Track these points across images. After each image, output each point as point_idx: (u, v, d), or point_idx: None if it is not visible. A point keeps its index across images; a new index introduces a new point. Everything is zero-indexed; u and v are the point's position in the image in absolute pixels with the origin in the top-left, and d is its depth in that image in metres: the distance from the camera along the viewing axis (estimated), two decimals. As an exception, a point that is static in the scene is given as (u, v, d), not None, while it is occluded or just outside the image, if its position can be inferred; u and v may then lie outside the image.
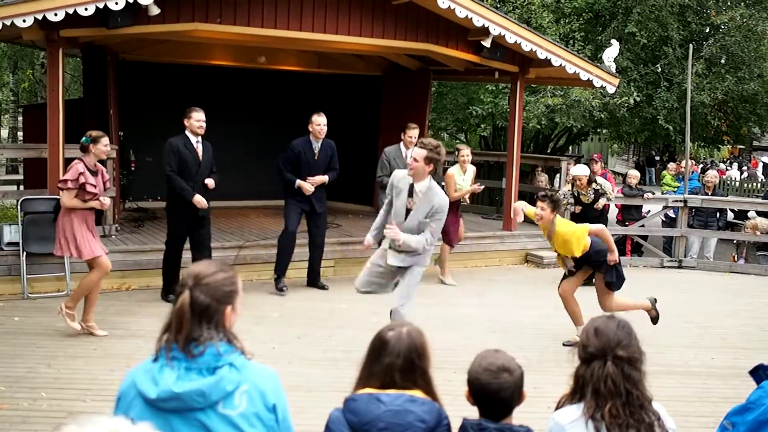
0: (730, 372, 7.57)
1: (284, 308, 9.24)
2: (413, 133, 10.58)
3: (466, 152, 11.16)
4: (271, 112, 15.32)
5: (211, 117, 14.46)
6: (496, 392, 2.97)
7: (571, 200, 11.43)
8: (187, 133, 9.04)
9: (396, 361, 2.94)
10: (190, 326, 2.59)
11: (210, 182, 9.13)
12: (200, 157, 9.05)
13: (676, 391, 6.87)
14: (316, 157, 9.99)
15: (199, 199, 8.87)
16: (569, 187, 11.52)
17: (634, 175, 14.48)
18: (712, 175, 14.69)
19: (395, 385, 2.93)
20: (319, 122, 9.91)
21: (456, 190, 10.81)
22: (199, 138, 9.09)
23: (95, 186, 7.73)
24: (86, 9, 8.89)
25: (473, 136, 22.90)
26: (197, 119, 9.03)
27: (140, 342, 7.47)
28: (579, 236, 7.82)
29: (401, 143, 10.72)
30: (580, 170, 11.45)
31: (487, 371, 2.99)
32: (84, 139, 7.83)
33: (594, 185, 11.26)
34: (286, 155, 10.01)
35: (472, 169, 11.25)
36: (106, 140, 7.88)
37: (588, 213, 11.25)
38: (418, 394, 2.94)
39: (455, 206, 11.05)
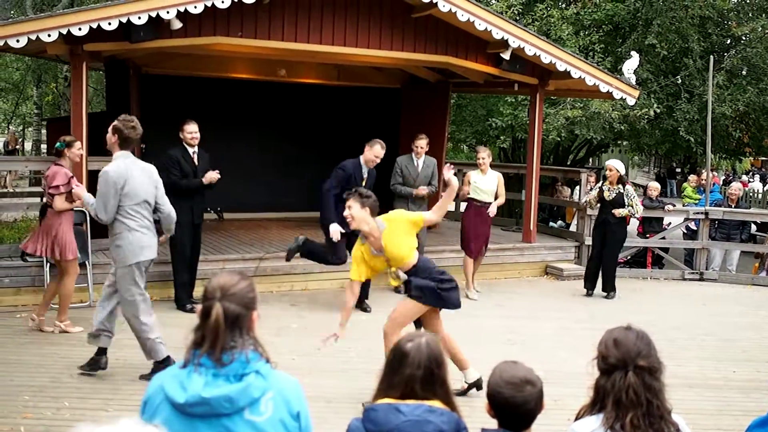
0: (751, 385, 7.54)
1: (304, 320, 9.27)
2: (420, 143, 10.87)
3: (482, 155, 11.07)
4: (291, 124, 15.39)
5: (232, 129, 14.68)
6: (520, 405, 2.98)
7: (594, 195, 11.33)
8: (184, 144, 9.47)
9: (417, 372, 2.96)
10: (225, 337, 2.66)
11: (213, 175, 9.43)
12: (197, 167, 9.46)
13: (696, 404, 6.84)
14: (363, 183, 9.71)
15: (212, 175, 9.32)
16: (599, 184, 11.47)
17: (654, 187, 14.42)
18: (736, 187, 14.61)
19: (416, 396, 2.95)
20: (379, 155, 9.71)
21: (471, 189, 11.02)
22: (195, 148, 9.52)
23: (79, 187, 7.92)
24: (110, 24, 9.00)
25: (493, 148, 22.84)
26: (189, 131, 9.48)
27: (162, 353, 7.51)
28: (415, 221, 6.38)
29: (413, 152, 10.94)
30: (614, 162, 11.34)
31: (510, 384, 2.99)
32: (58, 144, 8.18)
33: (621, 187, 11.13)
34: (336, 175, 9.69)
35: (495, 175, 11.09)
36: (79, 144, 8.29)
37: (606, 215, 11.16)
38: (437, 404, 2.96)
39: (479, 215, 10.98)
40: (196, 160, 9.49)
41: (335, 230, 9.28)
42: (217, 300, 2.69)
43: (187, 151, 9.45)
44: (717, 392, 7.33)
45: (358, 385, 6.51)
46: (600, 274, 11.33)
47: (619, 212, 11.04)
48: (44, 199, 8.28)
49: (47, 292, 8.46)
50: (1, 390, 6.44)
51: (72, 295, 8.31)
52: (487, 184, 10.97)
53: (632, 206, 11.11)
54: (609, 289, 11.27)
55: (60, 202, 7.95)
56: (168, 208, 7.22)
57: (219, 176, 9.47)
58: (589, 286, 11.36)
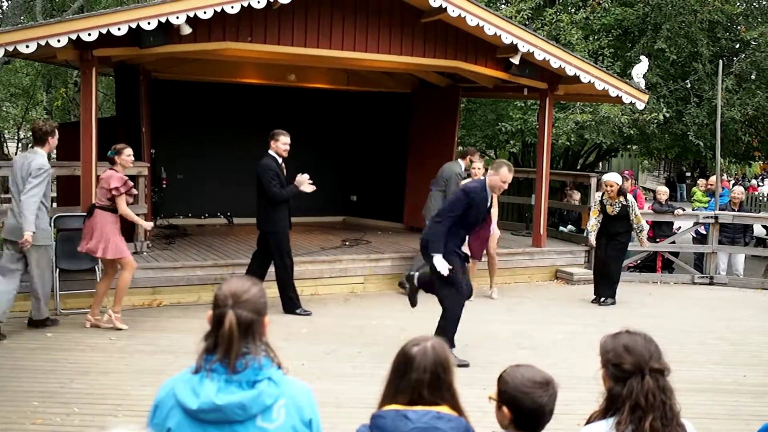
0: (761, 389, 7.51)
1: (313, 325, 9.26)
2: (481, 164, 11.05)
3: (476, 165, 10.93)
4: (301, 129, 15.38)
5: (241, 134, 14.70)
6: (545, 405, 2.99)
7: (598, 208, 11.27)
8: (272, 153, 9.64)
9: (423, 377, 2.94)
10: (239, 345, 2.66)
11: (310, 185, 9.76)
12: (284, 175, 9.75)
13: (707, 409, 6.81)
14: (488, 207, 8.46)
15: (303, 178, 9.64)
16: (599, 195, 11.44)
17: (663, 191, 14.38)
18: (738, 191, 14.54)
19: (423, 401, 2.93)
20: (507, 179, 7.97)
21: None
22: (281, 159, 9.73)
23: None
24: (119, 29, 9.02)
25: (502, 153, 22.86)
26: (284, 143, 9.68)
27: (171, 358, 7.53)
28: None
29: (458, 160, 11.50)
30: (612, 177, 11.23)
31: (537, 384, 2.99)
32: (110, 152, 8.60)
33: (623, 199, 11.04)
34: (458, 200, 7.99)
35: None
36: (129, 151, 8.67)
37: (610, 226, 11.10)
38: (444, 410, 2.94)
39: None
40: (284, 170, 9.73)
41: (443, 266, 7.73)
42: (229, 308, 2.69)
43: (278, 161, 9.65)
44: (728, 397, 7.30)
45: (367, 390, 6.50)
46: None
47: (645, 244, 11.25)
48: (94, 201, 8.76)
49: (97, 292, 8.80)
50: (10, 395, 6.46)
51: (126, 290, 8.75)
52: None
53: (638, 222, 11.05)
54: (608, 294, 11.22)
55: (123, 205, 8.44)
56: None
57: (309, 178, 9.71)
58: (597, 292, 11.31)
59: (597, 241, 11.33)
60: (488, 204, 8.19)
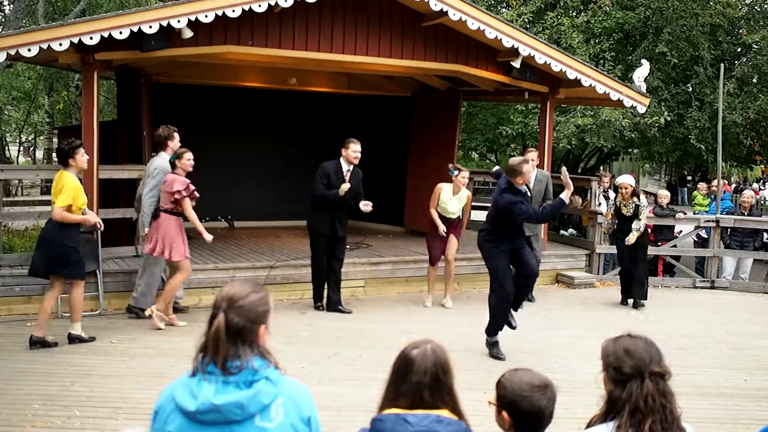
0: (762, 393, 7.50)
1: (314, 328, 9.27)
2: (532, 155, 10.93)
3: (464, 174, 10.56)
4: (302, 133, 15.41)
5: (243, 138, 14.70)
6: (545, 408, 2.99)
7: (612, 211, 11.38)
8: (341, 159, 9.82)
9: (424, 379, 2.93)
10: (227, 347, 2.66)
11: (367, 206, 9.92)
12: (343, 180, 9.79)
13: (707, 413, 6.81)
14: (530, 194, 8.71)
15: (345, 186, 9.67)
16: (612, 199, 11.56)
17: (664, 194, 14.38)
18: (748, 195, 14.53)
19: (424, 404, 2.93)
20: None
21: (438, 206, 10.50)
22: (351, 166, 9.87)
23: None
24: (121, 33, 9.04)
25: (503, 156, 22.90)
26: (354, 150, 9.86)
27: (172, 361, 7.53)
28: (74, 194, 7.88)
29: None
30: (626, 179, 11.37)
31: (535, 388, 2.99)
32: (170, 157, 8.99)
33: (635, 199, 11.12)
34: (517, 204, 8.01)
35: (466, 194, 10.66)
36: (189, 155, 8.90)
37: (625, 228, 11.15)
38: (445, 413, 2.93)
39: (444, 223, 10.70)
40: (347, 177, 9.81)
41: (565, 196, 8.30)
42: (222, 310, 2.71)
43: (342, 166, 9.80)
44: (729, 401, 7.29)
45: (368, 393, 6.49)
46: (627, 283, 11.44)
47: (630, 240, 11.06)
48: (158, 203, 8.97)
49: (166, 290, 9.01)
50: (11, 398, 6.46)
51: (175, 292, 9.06)
52: (454, 205, 10.54)
53: (638, 220, 11.08)
54: (640, 296, 11.32)
55: (189, 206, 8.76)
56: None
57: (349, 186, 9.79)
58: (626, 295, 11.46)
59: (618, 246, 11.49)
60: (530, 195, 8.55)
